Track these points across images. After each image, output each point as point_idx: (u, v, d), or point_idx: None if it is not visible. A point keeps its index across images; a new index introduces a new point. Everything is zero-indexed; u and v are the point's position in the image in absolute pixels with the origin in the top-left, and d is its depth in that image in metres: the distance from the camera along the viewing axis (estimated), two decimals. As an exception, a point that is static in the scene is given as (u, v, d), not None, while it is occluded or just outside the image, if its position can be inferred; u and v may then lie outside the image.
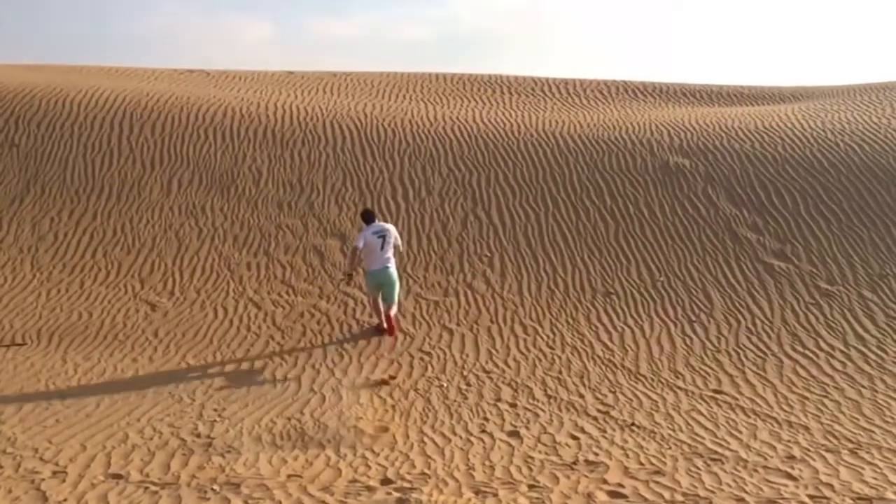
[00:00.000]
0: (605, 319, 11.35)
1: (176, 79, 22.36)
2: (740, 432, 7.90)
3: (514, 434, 7.90)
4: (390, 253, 10.81)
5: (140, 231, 13.81)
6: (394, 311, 10.88)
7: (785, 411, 8.47)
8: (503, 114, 19.22)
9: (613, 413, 8.45)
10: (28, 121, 16.89)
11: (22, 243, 13.52)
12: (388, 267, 10.73)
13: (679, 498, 6.40)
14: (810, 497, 6.38)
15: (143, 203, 14.57)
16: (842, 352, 10.22)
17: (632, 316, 11.42)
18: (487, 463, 7.18)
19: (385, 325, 10.87)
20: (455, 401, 8.85)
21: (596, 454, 7.37)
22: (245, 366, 10.05)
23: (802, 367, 9.79)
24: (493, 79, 23.46)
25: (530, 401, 8.84)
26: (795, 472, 6.88)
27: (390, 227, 11.22)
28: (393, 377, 9.58)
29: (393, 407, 8.66)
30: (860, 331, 10.77)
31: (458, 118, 18.33)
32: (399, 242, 11.17)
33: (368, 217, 11.22)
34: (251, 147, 16.35)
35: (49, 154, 15.91)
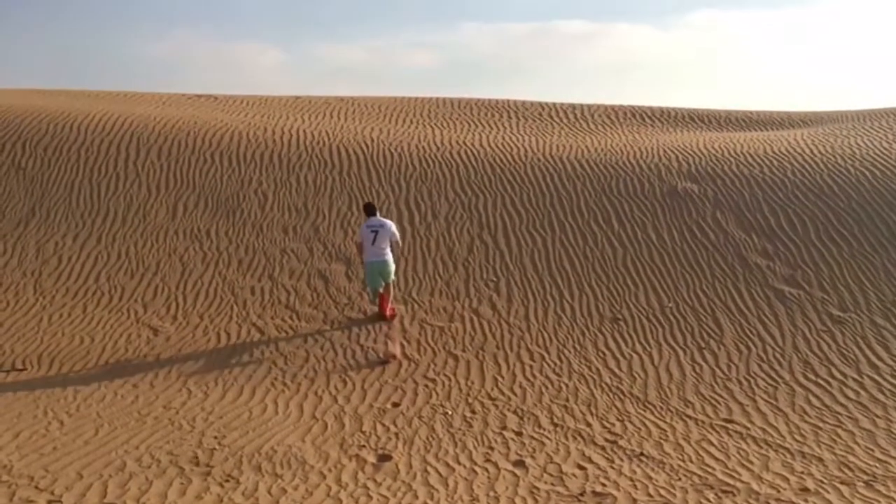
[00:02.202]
0: (612, 346, 11.17)
1: (183, 103, 22.42)
2: (752, 463, 7.69)
3: (520, 464, 7.72)
4: (384, 245, 11.74)
5: (144, 255, 13.74)
6: (389, 300, 11.90)
7: (798, 441, 8.26)
8: (510, 138, 19.17)
9: (621, 442, 8.25)
10: (35, 144, 16.91)
11: (25, 267, 13.45)
12: (380, 259, 11.69)
13: (689, 532, 6.20)
14: (825, 531, 6.17)
15: (148, 227, 14.51)
16: (855, 380, 10.00)
17: (640, 342, 11.24)
18: (492, 493, 7.00)
19: (385, 313, 11.80)
20: (460, 429, 8.66)
21: (603, 485, 7.18)
22: (247, 392, 9.90)
23: (815, 395, 9.58)
24: (500, 103, 23.45)
25: (536, 429, 8.65)
26: (809, 506, 6.68)
27: (387, 222, 12.13)
28: (397, 404, 9.42)
29: (396, 435, 8.48)
30: (873, 359, 10.55)
31: (464, 143, 18.27)
32: (397, 239, 12.13)
33: (369, 210, 12.25)
34: (257, 171, 16.31)
35: (55, 178, 15.90)
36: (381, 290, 11.80)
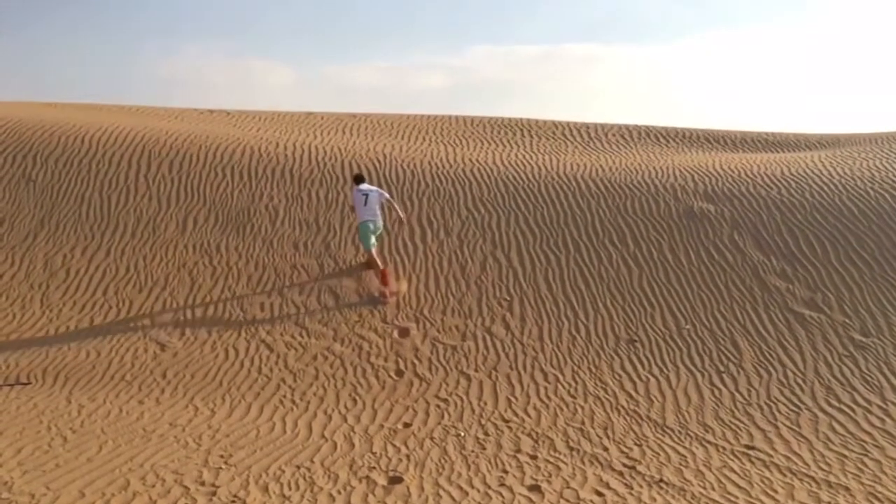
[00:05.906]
0: (629, 368, 10.92)
1: (196, 118, 22.35)
2: (776, 492, 7.42)
3: (535, 489, 7.47)
4: (375, 208, 13.29)
5: (153, 269, 13.57)
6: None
7: (823, 470, 7.98)
8: (524, 156, 19.00)
9: (640, 468, 7.99)
10: (46, 157, 16.82)
11: (33, 280, 13.30)
12: (372, 219, 13.24)
13: (714, 564, 5.93)
14: (857, 566, 5.90)
15: (158, 241, 14.36)
16: (880, 407, 9.71)
17: (657, 365, 10.98)
18: (507, 520, 6.75)
19: (380, 267, 13.03)
20: (472, 451, 8.42)
21: (623, 513, 6.92)
22: (255, 410, 9.68)
23: (839, 422, 9.29)
24: (514, 122, 23.31)
25: (552, 453, 8.40)
26: (839, 538, 6.41)
27: (374, 188, 13.75)
28: (408, 425, 9.19)
29: (407, 456, 8.24)
30: (898, 385, 10.26)
31: (478, 160, 18.11)
32: (388, 198, 13.77)
33: (358, 179, 13.88)
34: (268, 186, 16.17)
35: (65, 190, 15.79)
36: (373, 249, 13.21)
